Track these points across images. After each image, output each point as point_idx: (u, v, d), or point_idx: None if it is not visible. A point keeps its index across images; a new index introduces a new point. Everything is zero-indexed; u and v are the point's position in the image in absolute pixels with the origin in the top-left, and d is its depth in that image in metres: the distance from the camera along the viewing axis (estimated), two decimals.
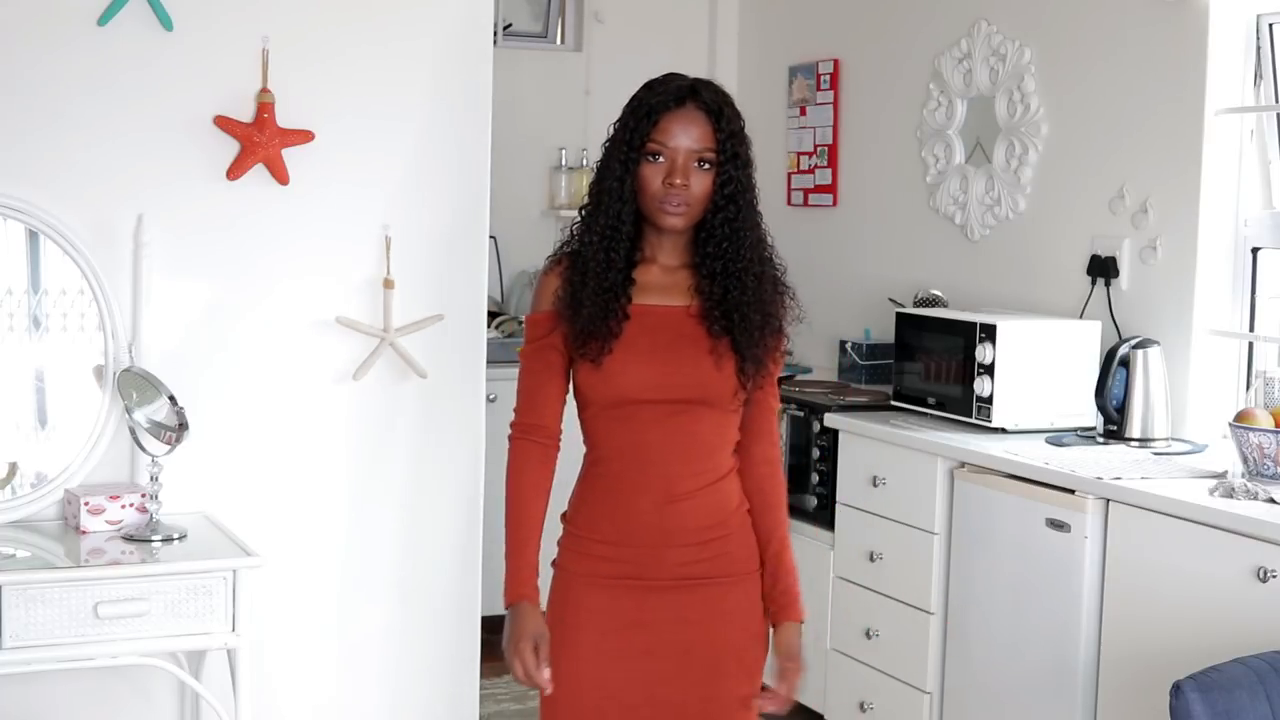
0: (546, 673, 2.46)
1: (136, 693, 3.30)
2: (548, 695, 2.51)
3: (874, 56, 5.12)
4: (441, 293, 3.52)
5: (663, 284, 2.54)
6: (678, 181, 2.45)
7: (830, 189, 5.31)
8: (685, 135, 2.46)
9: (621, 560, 2.52)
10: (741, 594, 2.58)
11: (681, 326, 2.51)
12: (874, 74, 5.12)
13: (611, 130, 2.53)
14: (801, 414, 4.43)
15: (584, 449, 2.60)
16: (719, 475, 2.55)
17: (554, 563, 2.60)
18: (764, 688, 2.59)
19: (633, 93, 2.54)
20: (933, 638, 3.90)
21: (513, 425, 2.60)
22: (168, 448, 3.09)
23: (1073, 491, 3.43)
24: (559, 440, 2.59)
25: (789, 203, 5.46)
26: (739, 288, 2.50)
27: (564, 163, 5.82)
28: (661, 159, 2.46)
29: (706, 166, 2.47)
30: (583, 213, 2.56)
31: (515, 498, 2.56)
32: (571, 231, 2.58)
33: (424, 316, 3.47)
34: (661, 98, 2.47)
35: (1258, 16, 3.83)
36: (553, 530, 2.62)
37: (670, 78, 2.52)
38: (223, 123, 3.27)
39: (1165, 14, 3.92)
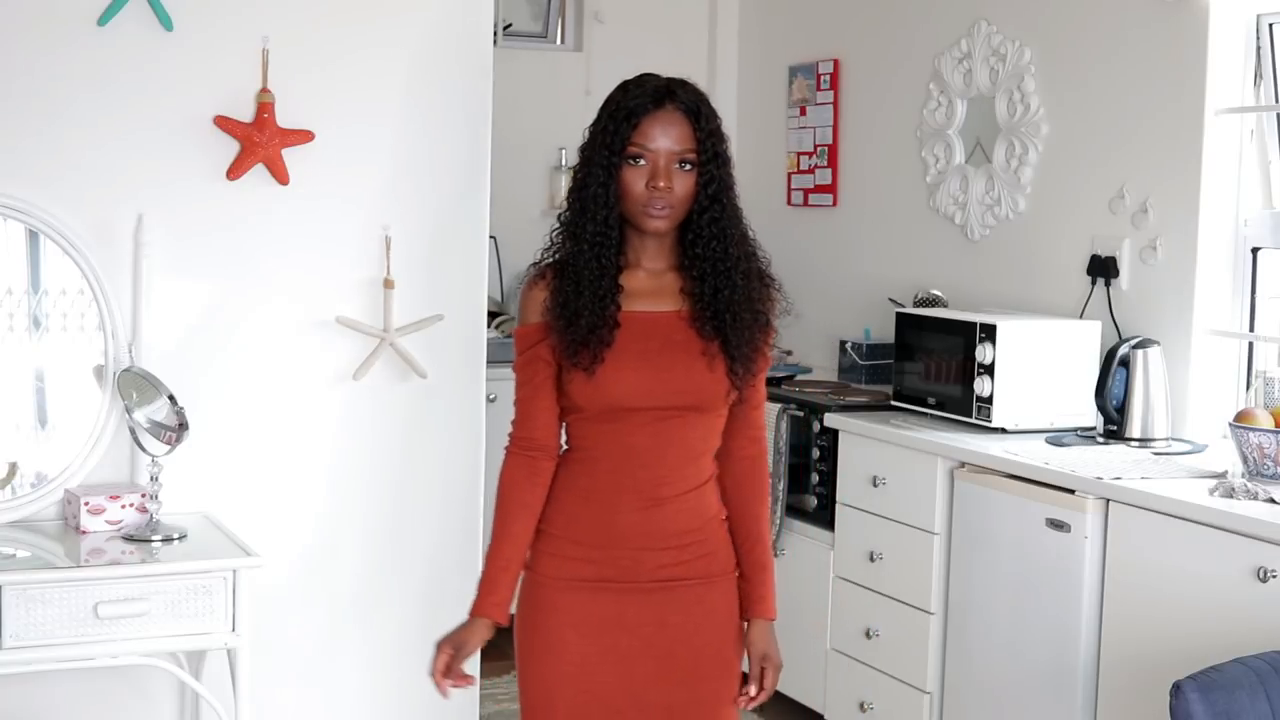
0: (446, 685, 2.51)
1: (136, 693, 3.30)
2: (528, 700, 2.54)
3: (874, 56, 5.11)
4: (441, 293, 3.53)
5: (649, 288, 2.51)
6: (661, 184, 2.42)
7: (830, 189, 5.31)
8: (665, 137, 2.43)
9: (600, 562, 2.50)
10: (720, 594, 2.57)
11: (672, 332, 2.49)
12: (874, 74, 5.11)
13: (587, 134, 2.49)
14: (801, 414, 4.42)
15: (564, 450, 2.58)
16: (702, 480, 2.54)
17: (526, 565, 2.56)
18: (743, 688, 2.59)
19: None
20: (933, 638, 3.90)
21: (509, 437, 2.58)
22: (168, 448, 3.09)
23: (1073, 491, 3.43)
24: (553, 453, 2.55)
25: (789, 203, 5.46)
26: (729, 286, 2.47)
27: (564, 163, 5.81)
28: (643, 162, 2.43)
29: (688, 167, 2.44)
30: (562, 219, 2.53)
31: (499, 514, 2.55)
32: (552, 240, 2.55)
33: (424, 316, 3.47)
34: (639, 100, 2.43)
35: (1258, 16, 3.83)
36: None
37: (645, 79, 2.48)
38: (223, 123, 3.28)
39: (1165, 14, 3.92)
